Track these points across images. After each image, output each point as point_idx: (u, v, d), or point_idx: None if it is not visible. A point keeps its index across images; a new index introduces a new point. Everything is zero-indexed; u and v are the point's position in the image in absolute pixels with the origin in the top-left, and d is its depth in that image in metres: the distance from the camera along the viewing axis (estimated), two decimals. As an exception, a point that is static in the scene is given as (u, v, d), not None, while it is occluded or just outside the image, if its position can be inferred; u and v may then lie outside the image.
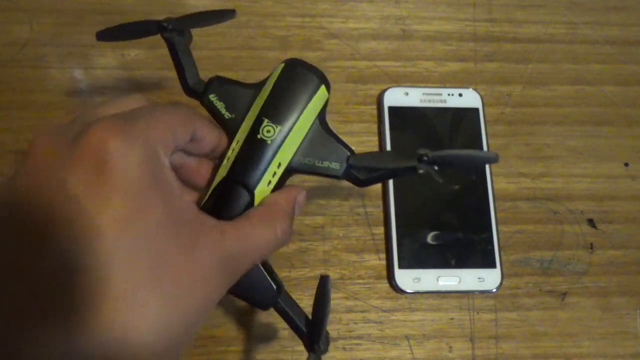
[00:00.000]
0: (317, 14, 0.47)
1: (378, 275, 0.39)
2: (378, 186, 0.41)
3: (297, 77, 0.29)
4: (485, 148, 0.42)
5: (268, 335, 0.37)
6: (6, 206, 0.21)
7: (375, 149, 0.42)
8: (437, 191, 0.41)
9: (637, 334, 0.39)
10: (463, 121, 0.43)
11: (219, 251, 0.23)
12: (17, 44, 0.44)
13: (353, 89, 0.44)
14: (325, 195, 0.41)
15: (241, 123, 0.29)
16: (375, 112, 0.44)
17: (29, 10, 0.45)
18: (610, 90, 0.46)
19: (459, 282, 0.39)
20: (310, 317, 0.29)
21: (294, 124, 0.28)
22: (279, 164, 0.28)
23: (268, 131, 0.28)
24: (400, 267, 0.39)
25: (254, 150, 0.28)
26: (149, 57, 0.44)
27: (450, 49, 0.46)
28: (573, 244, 0.41)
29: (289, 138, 0.28)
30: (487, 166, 0.42)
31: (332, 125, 0.43)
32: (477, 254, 0.40)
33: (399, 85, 0.44)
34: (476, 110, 0.43)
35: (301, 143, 0.29)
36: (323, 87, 0.29)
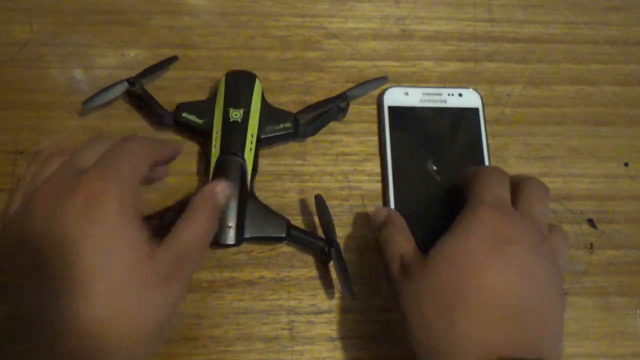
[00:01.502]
0: (317, 14, 0.47)
1: (379, 275, 0.39)
2: (378, 186, 0.41)
3: (239, 76, 0.41)
4: (485, 148, 0.42)
5: (268, 335, 0.37)
6: (15, 235, 0.28)
7: (376, 149, 0.42)
8: (438, 194, 0.40)
9: (637, 334, 0.39)
10: (463, 121, 0.43)
11: (164, 266, 0.28)
12: (17, 44, 0.44)
13: (353, 89, 0.44)
14: (325, 196, 0.41)
15: (212, 122, 0.39)
16: (375, 112, 0.44)
17: (29, 10, 0.45)
18: (610, 90, 0.46)
19: None
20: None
21: (249, 105, 0.39)
22: (252, 135, 0.39)
23: (235, 114, 0.39)
24: None
25: (232, 129, 0.38)
26: (148, 57, 0.44)
27: (450, 49, 0.46)
28: (573, 244, 0.41)
29: (251, 115, 0.39)
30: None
31: (332, 124, 0.43)
32: None
33: (399, 85, 0.44)
34: (476, 110, 0.43)
35: (259, 119, 0.40)
36: (257, 79, 0.41)
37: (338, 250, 0.37)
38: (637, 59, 0.47)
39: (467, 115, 0.43)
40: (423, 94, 0.43)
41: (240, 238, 0.36)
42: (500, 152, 0.43)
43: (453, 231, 0.32)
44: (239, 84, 0.40)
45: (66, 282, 0.26)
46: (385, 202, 0.40)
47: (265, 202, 0.39)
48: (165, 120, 0.40)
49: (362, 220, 0.40)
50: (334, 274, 0.38)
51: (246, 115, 0.39)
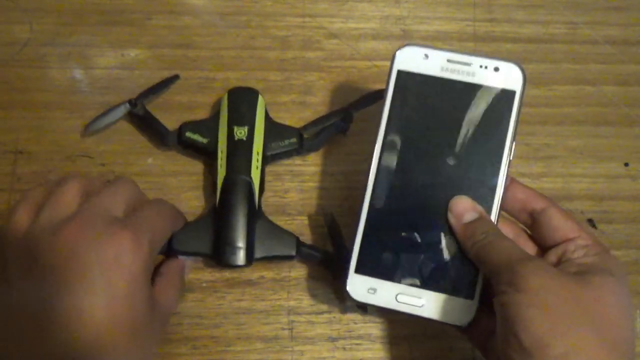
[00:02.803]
0: (317, 14, 0.47)
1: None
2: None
3: (242, 93, 0.40)
4: (507, 148, 0.33)
5: (268, 335, 0.37)
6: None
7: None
8: (429, 192, 0.33)
9: (637, 334, 0.39)
10: (489, 106, 0.33)
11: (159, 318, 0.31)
12: (17, 44, 0.44)
13: (353, 89, 0.44)
14: (325, 196, 0.41)
15: (217, 141, 0.39)
16: (374, 111, 0.43)
17: (29, 10, 0.45)
18: (610, 90, 0.46)
19: (422, 306, 0.32)
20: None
21: (254, 122, 0.39)
22: (258, 152, 0.38)
23: (240, 132, 0.38)
24: (357, 271, 0.33)
25: (237, 148, 0.38)
26: (149, 57, 0.44)
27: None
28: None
29: (255, 132, 0.38)
30: (504, 168, 0.32)
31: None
32: (454, 277, 0.32)
33: (418, 45, 0.34)
34: (511, 94, 0.33)
35: (264, 136, 0.39)
36: (260, 96, 0.40)
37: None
38: (637, 59, 0.47)
39: (498, 99, 0.33)
40: (447, 60, 0.33)
41: (250, 258, 0.36)
42: (500, 152, 0.43)
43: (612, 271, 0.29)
44: (242, 101, 0.40)
45: (69, 288, 0.27)
46: (360, 200, 0.33)
47: (266, 202, 0.39)
48: (168, 140, 0.40)
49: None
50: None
51: (251, 132, 0.38)
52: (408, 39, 0.47)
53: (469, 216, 0.31)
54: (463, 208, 0.32)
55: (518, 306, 0.27)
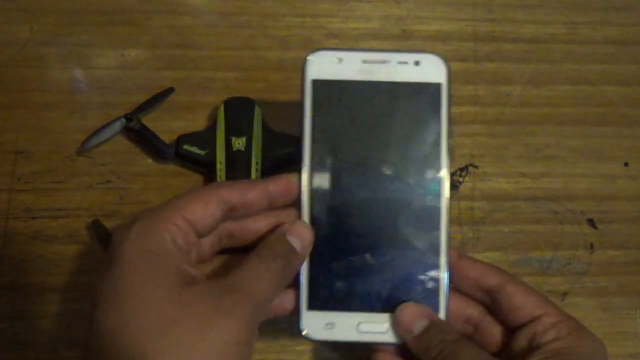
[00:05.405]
0: (317, 14, 0.47)
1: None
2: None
3: (239, 103, 0.40)
4: (443, 145, 0.30)
5: (268, 335, 0.37)
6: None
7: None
8: (372, 208, 0.30)
9: (637, 334, 0.39)
10: (417, 104, 0.31)
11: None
12: (17, 44, 0.44)
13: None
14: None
15: (215, 152, 0.38)
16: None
17: (29, 10, 0.45)
18: (610, 90, 0.46)
19: (386, 332, 0.29)
20: None
21: (251, 132, 0.39)
22: (257, 162, 0.38)
23: (238, 143, 0.38)
24: (310, 307, 0.30)
25: (236, 159, 0.38)
26: (149, 57, 0.44)
27: (450, 49, 0.46)
28: (573, 244, 0.41)
29: (254, 142, 0.38)
30: (443, 169, 0.30)
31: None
32: (415, 293, 0.30)
33: (329, 48, 0.31)
34: (437, 87, 0.31)
35: (263, 146, 0.39)
36: (257, 105, 0.40)
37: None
38: (637, 59, 0.47)
39: (425, 94, 0.31)
40: (363, 61, 0.31)
41: None
42: (501, 152, 0.43)
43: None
44: (238, 112, 0.40)
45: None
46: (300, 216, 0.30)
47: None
48: (166, 153, 0.40)
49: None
50: None
51: (249, 143, 0.38)
52: (408, 39, 0.47)
53: (420, 325, 0.28)
54: (409, 317, 0.28)
55: None
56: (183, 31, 0.45)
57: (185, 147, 0.39)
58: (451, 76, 0.31)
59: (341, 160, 0.30)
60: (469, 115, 0.44)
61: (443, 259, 0.30)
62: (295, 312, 0.30)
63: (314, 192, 0.30)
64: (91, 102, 0.42)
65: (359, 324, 0.30)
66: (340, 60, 0.31)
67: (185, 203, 0.27)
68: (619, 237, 0.42)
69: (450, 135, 0.30)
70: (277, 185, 0.29)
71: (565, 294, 0.40)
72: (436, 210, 0.30)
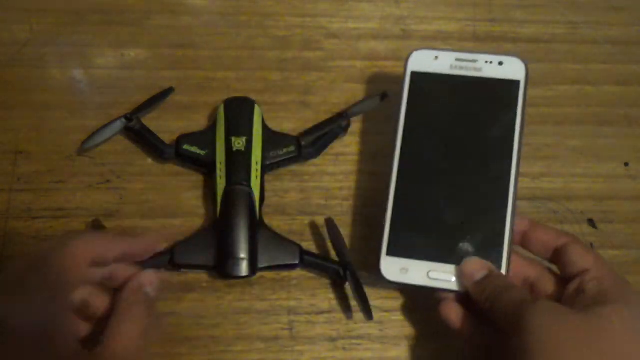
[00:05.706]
0: (317, 14, 0.47)
1: (378, 275, 0.39)
2: (379, 186, 0.41)
3: (238, 103, 0.40)
4: (517, 131, 0.36)
5: (268, 335, 0.37)
6: None
7: (377, 148, 0.42)
8: (449, 170, 0.36)
9: None
10: (497, 96, 0.36)
11: None
12: (17, 44, 0.44)
13: (353, 89, 0.44)
14: (325, 196, 0.41)
15: (215, 152, 0.39)
16: (374, 112, 0.43)
17: (29, 10, 0.45)
18: (611, 90, 0.46)
19: (452, 280, 0.34)
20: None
21: (251, 132, 0.39)
22: (257, 162, 0.38)
23: (238, 143, 0.38)
24: (388, 253, 0.34)
25: (236, 158, 0.38)
26: (149, 57, 0.44)
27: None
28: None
29: (254, 142, 0.39)
30: (516, 146, 0.35)
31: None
32: (481, 252, 0.34)
33: (428, 48, 0.37)
34: (516, 83, 0.36)
35: (262, 146, 0.39)
36: (257, 105, 0.40)
37: (354, 273, 0.36)
38: (637, 59, 0.47)
39: (504, 89, 0.36)
40: (456, 59, 0.37)
41: (253, 269, 0.36)
42: (500, 152, 0.43)
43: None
44: (238, 112, 0.40)
45: None
46: (389, 178, 0.36)
47: (266, 202, 0.39)
48: (166, 153, 0.40)
49: (363, 219, 0.40)
50: (348, 291, 0.38)
51: (249, 143, 0.38)
52: (408, 39, 0.47)
53: (479, 275, 0.32)
54: (472, 268, 0.33)
55: (522, 351, 0.28)
56: (183, 31, 0.45)
57: (185, 147, 0.39)
58: (528, 75, 0.36)
59: (428, 133, 0.36)
60: (469, 115, 0.44)
61: (508, 224, 0.34)
62: (376, 257, 0.34)
63: (402, 155, 0.36)
64: (91, 102, 0.42)
65: (429, 271, 0.34)
66: (436, 57, 0.37)
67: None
68: (619, 237, 0.42)
69: (523, 122, 0.36)
70: (141, 244, 0.33)
71: None
72: (505, 183, 0.35)
